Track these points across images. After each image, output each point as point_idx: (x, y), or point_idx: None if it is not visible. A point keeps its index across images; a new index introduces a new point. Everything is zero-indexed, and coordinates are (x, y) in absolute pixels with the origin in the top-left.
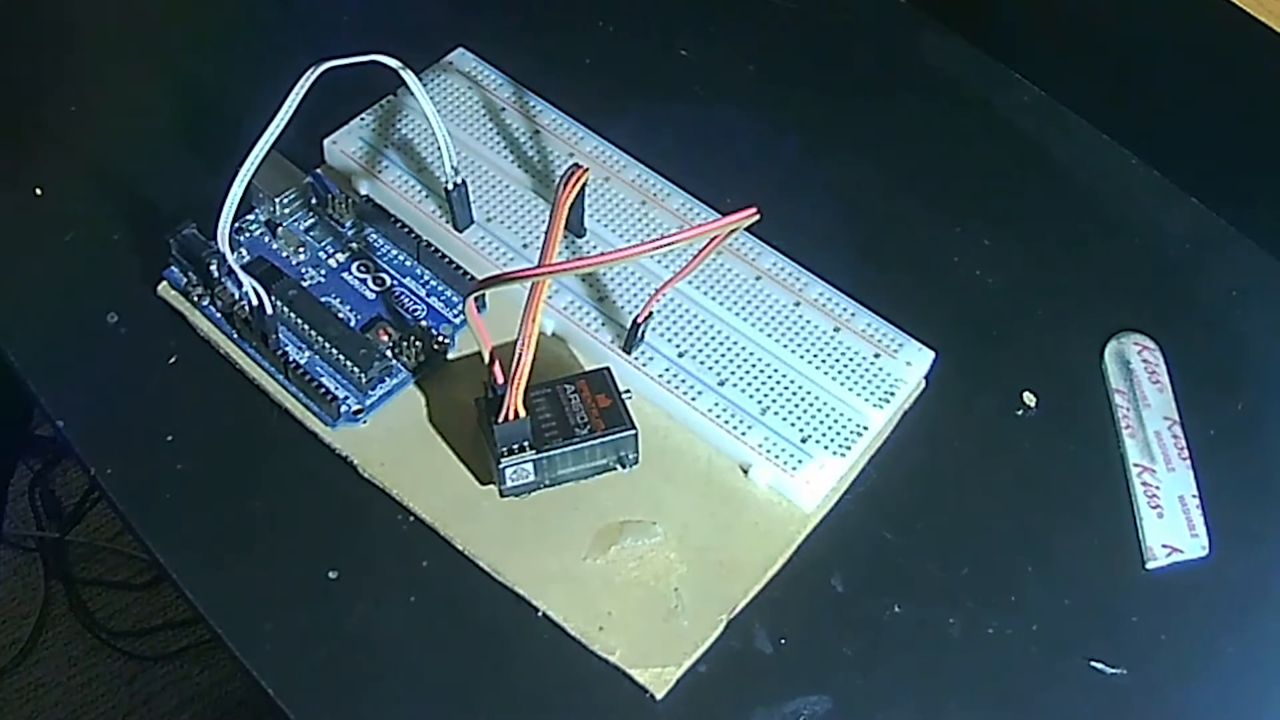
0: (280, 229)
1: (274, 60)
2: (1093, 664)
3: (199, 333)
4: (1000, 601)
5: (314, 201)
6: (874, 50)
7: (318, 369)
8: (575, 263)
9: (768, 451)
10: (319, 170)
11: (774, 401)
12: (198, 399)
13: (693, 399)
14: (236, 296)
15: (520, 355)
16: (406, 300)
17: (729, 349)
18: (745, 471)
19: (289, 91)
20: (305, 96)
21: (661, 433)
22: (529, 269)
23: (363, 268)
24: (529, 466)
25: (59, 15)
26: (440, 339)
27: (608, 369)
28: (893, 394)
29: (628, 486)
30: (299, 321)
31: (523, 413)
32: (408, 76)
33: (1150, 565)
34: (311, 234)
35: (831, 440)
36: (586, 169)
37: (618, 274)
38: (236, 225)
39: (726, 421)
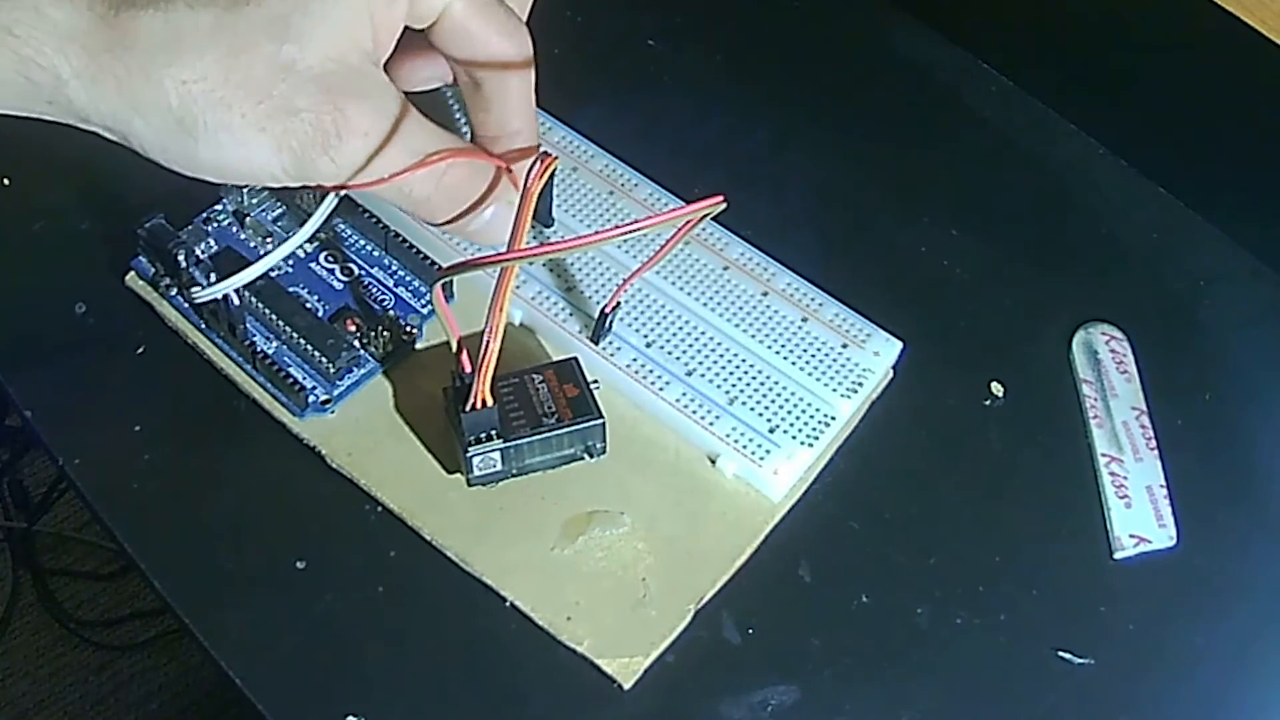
0: (248, 219)
1: None
2: (1060, 654)
3: (167, 323)
4: (968, 592)
5: (282, 191)
6: (842, 40)
7: (285, 359)
8: (542, 248)
9: (735, 441)
10: None
11: (742, 392)
12: (165, 389)
13: (660, 389)
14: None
15: (487, 343)
16: (374, 290)
17: (697, 339)
18: (713, 461)
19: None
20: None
21: (629, 423)
22: (497, 254)
23: (331, 258)
24: (496, 455)
25: None
26: (408, 329)
27: (575, 359)
28: (861, 384)
29: (595, 476)
30: (266, 312)
31: (490, 401)
32: None
33: (1118, 555)
34: (279, 224)
35: (799, 430)
36: (556, 157)
37: (585, 264)
38: (204, 215)
39: (694, 411)
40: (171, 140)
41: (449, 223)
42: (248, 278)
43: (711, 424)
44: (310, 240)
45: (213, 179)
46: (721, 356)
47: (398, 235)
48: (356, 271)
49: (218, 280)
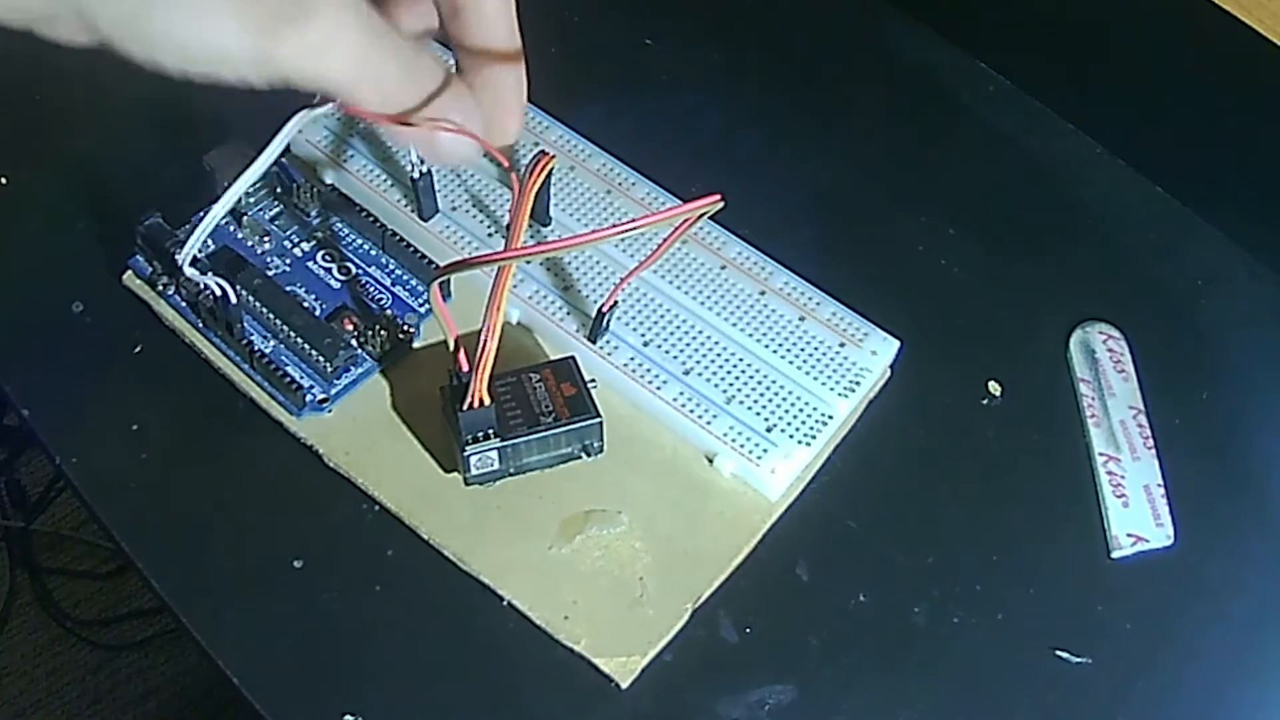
0: (245, 218)
1: None
2: (1057, 653)
3: (164, 322)
4: (965, 591)
5: (279, 190)
6: (840, 39)
7: (283, 358)
8: (540, 247)
9: (733, 441)
10: (284, 159)
11: (739, 391)
12: (163, 388)
13: (658, 388)
14: (201, 286)
15: (485, 342)
16: (372, 289)
17: (694, 338)
18: (710, 461)
19: (272, 136)
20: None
21: (627, 422)
22: (494, 253)
23: (328, 257)
24: (493, 455)
25: None
26: (405, 328)
27: (573, 358)
28: (858, 383)
29: (593, 475)
30: (264, 311)
31: (487, 400)
32: None
33: (1115, 555)
34: (276, 223)
35: (797, 429)
36: (554, 156)
37: (582, 263)
38: (201, 214)
39: (692, 410)
40: (130, 9)
41: (404, 125)
42: (207, 228)
43: (709, 423)
44: (308, 240)
45: (168, 64)
46: (719, 355)
47: (395, 234)
48: (354, 270)
49: (215, 283)
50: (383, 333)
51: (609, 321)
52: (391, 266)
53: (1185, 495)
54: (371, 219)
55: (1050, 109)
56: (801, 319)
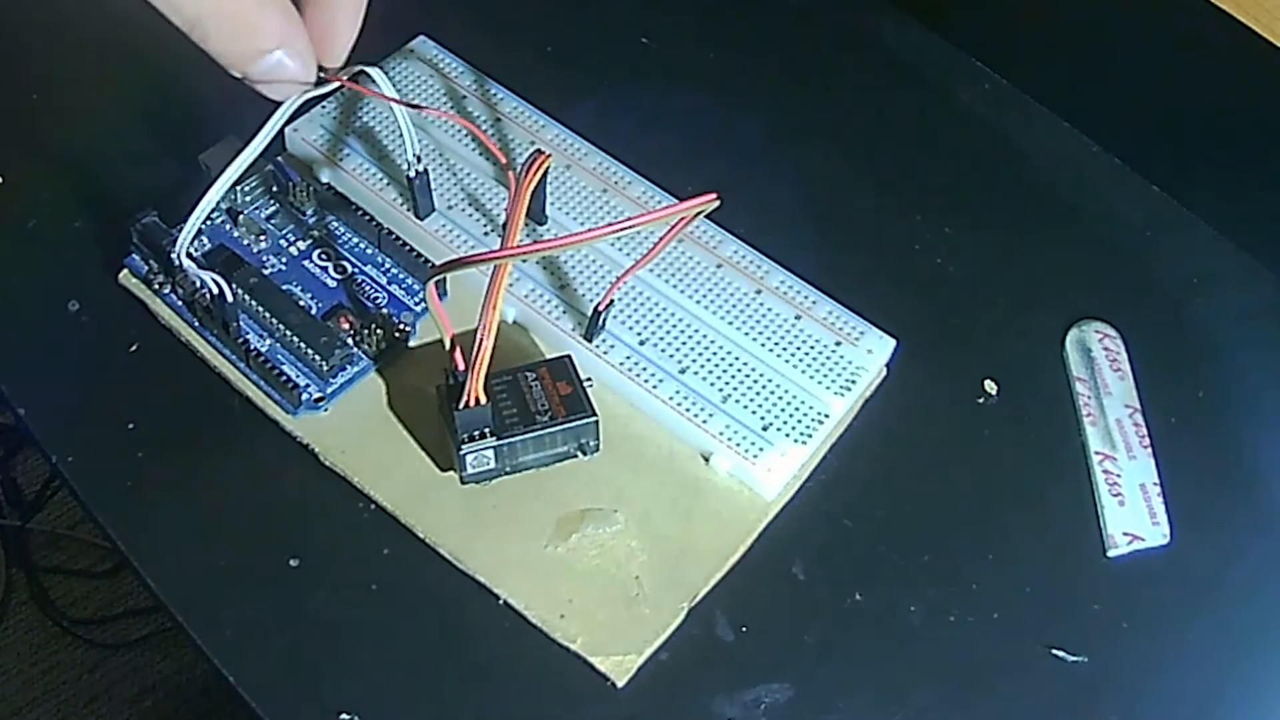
0: (241, 217)
1: None
2: (1054, 652)
3: (160, 320)
4: (961, 589)
5: (275, 189)
6: (835, 37)
7: (279, 357)
8: (536, 245)
9: (729, 439)
10: (280, 158)
11: (735, 389)
12: (159, 387)
13: (654, 387)
14: (197, 285)
15: (481, 341)
16: (368, 288)
17: (690, 337)
18: (706, 459)
19: (266, 118)
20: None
21: (623, 420)
22: (490, 252)
23: (324, 255)
24: (489, 453)
25: (18, 2)
26: (401, 326)
27: (569, 357)
28: (854, 382)
29: (589, 474)
30: (260, 309)
31: (484, 399)
32: (378, 75)
33: (1111, 553)
34: (272, 222)
35: (793, 428)
36: (549, 155)
37: (578, 262)
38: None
39: (688, 409)
40: None
41: (230, 55)
42: (205, 209)
43: (705, 421)
44: (304, 238)
45: None
46: (715, 354)
47: (391, 233)
48: (350, 269)
49: (211, 280)
50: (379, 331)
51: (605, 320)
52: (387, 265)
53: (1181, 493)
54: (368, 218)
55: (1046, 107)
56: (798, 317)
